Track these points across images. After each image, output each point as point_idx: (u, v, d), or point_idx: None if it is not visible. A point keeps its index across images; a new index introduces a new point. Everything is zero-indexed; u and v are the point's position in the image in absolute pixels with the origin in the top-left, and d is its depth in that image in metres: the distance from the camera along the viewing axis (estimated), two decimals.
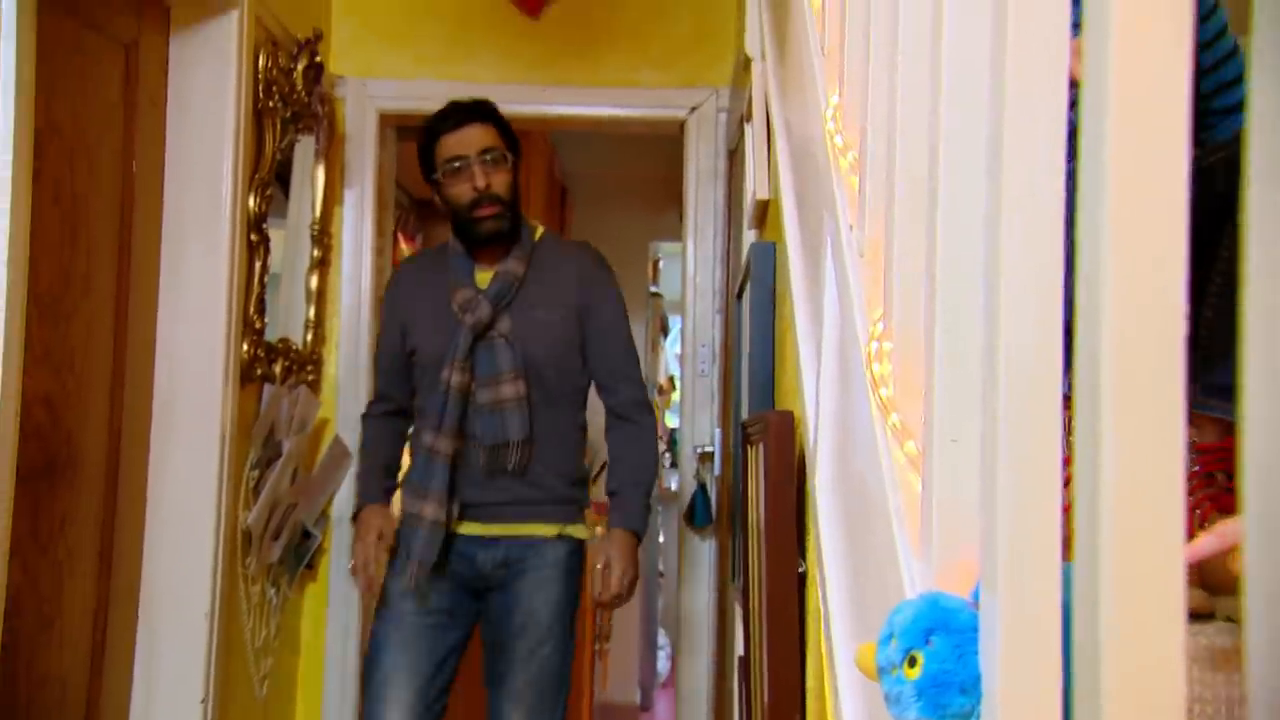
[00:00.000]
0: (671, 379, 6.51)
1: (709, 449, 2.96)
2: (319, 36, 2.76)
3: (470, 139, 2.22)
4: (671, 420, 6.20)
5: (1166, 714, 0.42)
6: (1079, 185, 0.46)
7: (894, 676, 0.59)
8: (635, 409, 2.33)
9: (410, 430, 2.41)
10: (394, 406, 2.42)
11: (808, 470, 1.14)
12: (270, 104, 2.48)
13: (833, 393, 1.02)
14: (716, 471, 2.89)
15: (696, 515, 2.91)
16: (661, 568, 5.88)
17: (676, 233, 3.43)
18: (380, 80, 3.07)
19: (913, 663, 0.58)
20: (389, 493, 2.37)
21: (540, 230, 2.37)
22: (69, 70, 1.97)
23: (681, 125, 3.17)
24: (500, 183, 2.23)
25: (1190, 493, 0.87)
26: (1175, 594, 0.42)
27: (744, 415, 1.90)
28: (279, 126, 2.52)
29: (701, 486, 2.95)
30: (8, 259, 1.61)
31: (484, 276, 2.26)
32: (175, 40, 2.32)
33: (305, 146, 2.83)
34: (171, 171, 2.30)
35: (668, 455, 6.05)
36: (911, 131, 0.82)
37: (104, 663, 2.11)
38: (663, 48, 3.14)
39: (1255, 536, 0.32)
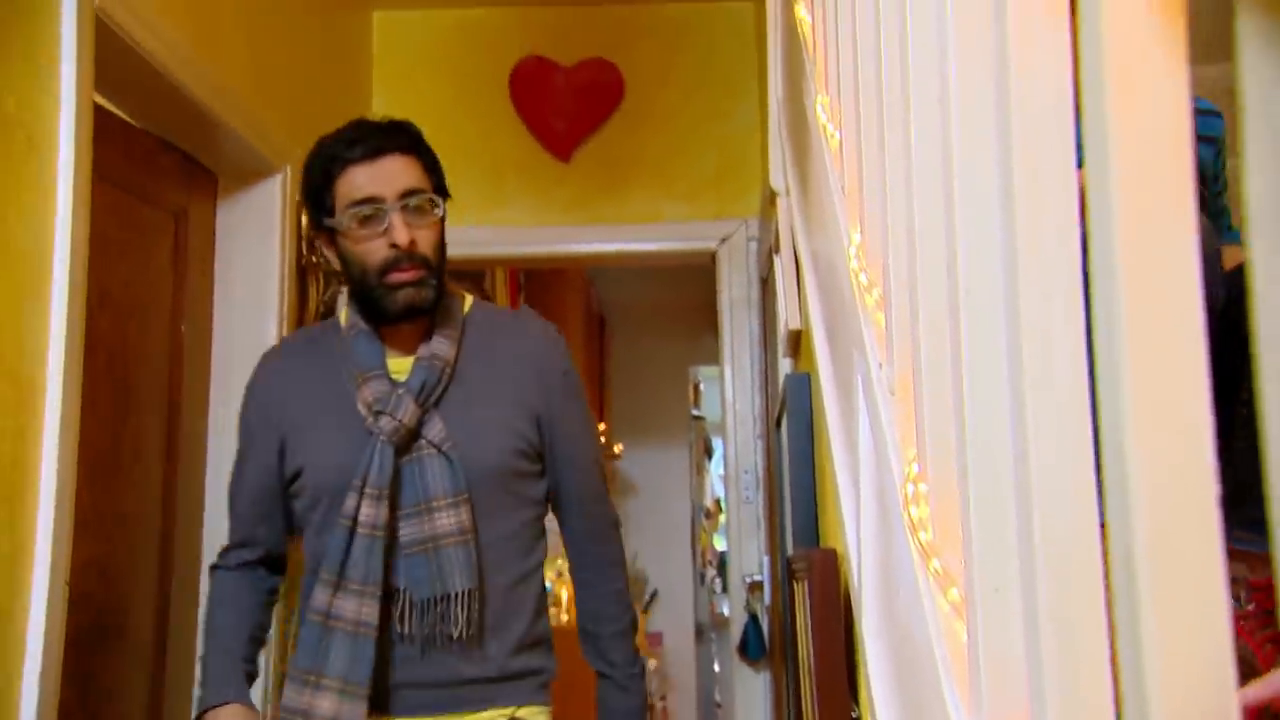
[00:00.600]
0: (718, 501, 6.44)
1: (758, 578, 2.91)
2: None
3: (389, 175, 1.51)
4: (720, 543, 6.12)
5: None
6: (1094, 326, 0.45)
7: None
8: (610, 532, 1.71)
9: (281, 589, 1.73)
10: (259, 554, 1.66)
11: (854, 610, 1.11)
12: (314, 259, 2.53)
13: (874, 532, 0.99)
14: (766, 601, 2.83)
15: (750, 648, 2.84)
16: (719, 697, 5.74)
17: (715, 356, 3.45)
18: None
19: None
20: (250, 680, 1.62)
21: (469, 301, 1.68)
22: (122, 241, 2.03)
23: (713, 256, 3.21)
24: (426, 240, 1.53)
25: (1250, 633, 0.83)
26: None
27: (789, 547, 1.86)
28: (322, 279, 2.57)
29: (753, 617, 2.89)
30: (60, 427, 1.63)
31: (400, 365, 1.57)
32: (222, 206, 2.39)
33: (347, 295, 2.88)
34: (219, 330, 2.34)
35: (718, 580, 5.95)
36: (932, 271, 0.81)
37: None
38: (689, 183, 3.19)
39: None
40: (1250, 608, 0.85)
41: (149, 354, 2.12)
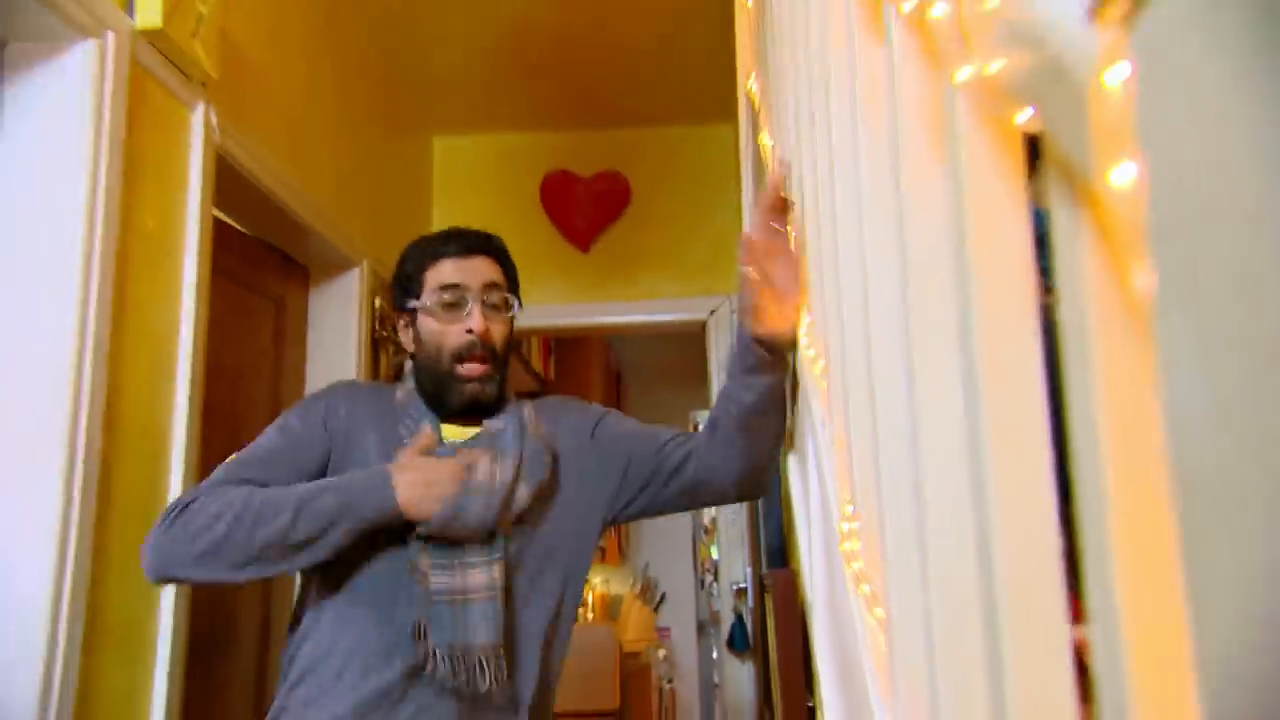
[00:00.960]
0: (714, 521, 6.41)
1: (743, 585, 2.89)
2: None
3: (475, 270, 1.35)
4: (716, 554, 6.08)
5: None
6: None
7: None
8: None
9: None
10: None
11: (808, 619, 1.11)
12: (384, 333, 2.56)
13: (821, 560, 1.00)
14: (750, 604, 2.82)
15: (736, 642, 2.82)
16: (718, 679, 5.67)
17: (708, 403, 3.45)
18: None
19: None
20: None
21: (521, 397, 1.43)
22: (233, 323, 2.06)
23: (704, 325, 3.23)
24: (499, 333, 1.34)
25: None
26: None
27: (764, 560, 1.86)
28: (391, 350, 2.60)
29: (739, 617, 2.87)
30: (184, 472, 1.65)
31: (456, 435, 1.32)
32: (313, 293, 2.43)
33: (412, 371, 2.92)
34: (310, 389, 2.37)
35: (714, 585, 5.90)
36: (853, 337, 0.83)
37: None
38: (684, 267, 3.23)
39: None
40: None
41: (255, 413, 2.14)
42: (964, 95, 0.44)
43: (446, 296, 1.32)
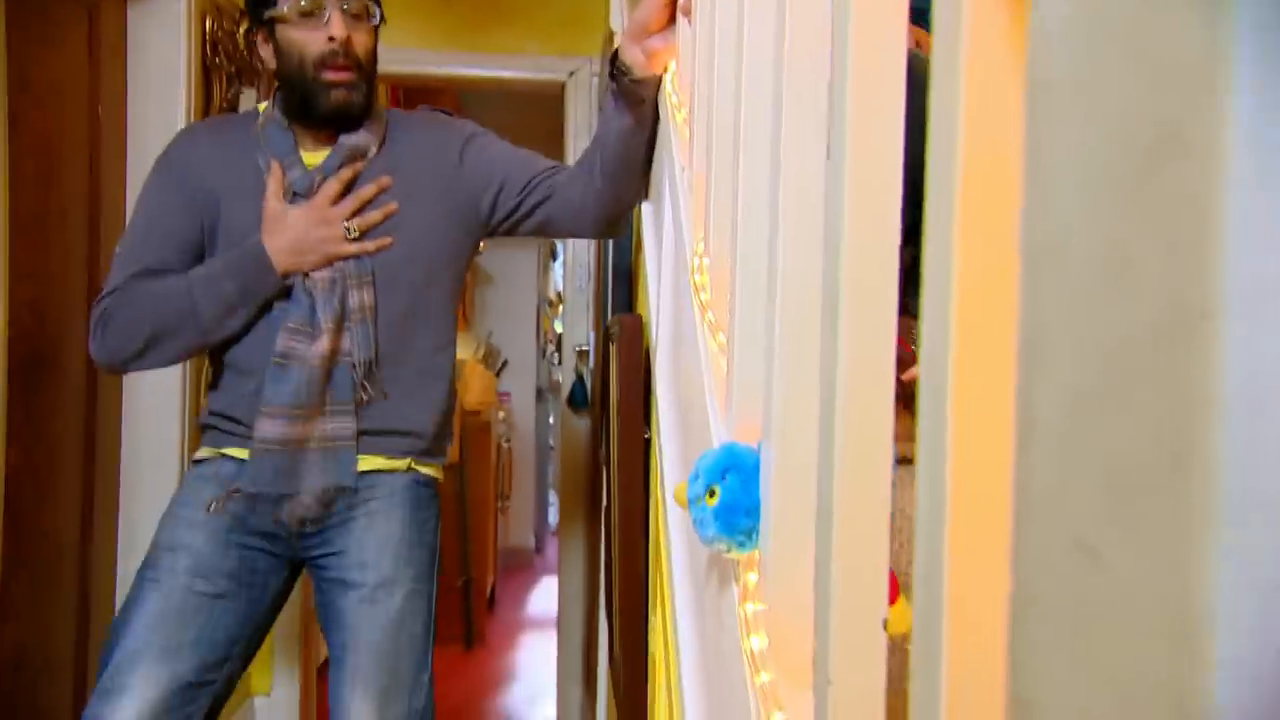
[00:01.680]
0: (559, 294, 6.49)
1: (585, 348, 2.99)
2: None
3: None
4: (559, 327, 6.20)
5: (870, 514, 0.47)
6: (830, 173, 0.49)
7: (699, 505, 0.63)
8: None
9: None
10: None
11: (651, 361, 1.18)
12: (217, 61, 2.35)
13: (669, 300, 1.05)
14: (591, 365, 2.93)
15: (576, 399, 2.95)
16: (552, 442, 5.95)
17: None
18: None
19: (712, 494, 0.62)
20: None
21: (396, 110, 1.50)
22: (38, 34, 1.84)
23: (562, 87, 3.13)
24: (361, 43, 1.31)
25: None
26: (883, 433, 0.47)
27: (608, 320, 1.92)
28: (225, 80, 2.40)
29: (579, 377, 2.98)
30: None
31: (314, 157, 1.35)
32: (132, 8, 2.18)
33: (248, 97, 2.70)
34: (133, 118, 2.17)
35: (555, 355, 6.07)
36: (724, 91, 0.84)
37: (92, 521, 2.05)
38: (546, 22, 3.07)
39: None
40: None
41: (70, 133, 1.96)
42: None
43: (304, 4, 1.29)
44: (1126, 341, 0.21)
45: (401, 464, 1.36)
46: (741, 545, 0.61)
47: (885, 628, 0.47)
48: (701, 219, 0.89)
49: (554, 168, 1.43)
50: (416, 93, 4.36)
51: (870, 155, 0.47)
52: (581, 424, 3.08)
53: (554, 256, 6.59)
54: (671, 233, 1.07)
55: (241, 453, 1.33)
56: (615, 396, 1.36)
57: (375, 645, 1.29)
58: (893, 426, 0.48)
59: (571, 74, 3.08)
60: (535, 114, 5.00)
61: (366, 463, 1.34)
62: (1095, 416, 0.22)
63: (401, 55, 2.99)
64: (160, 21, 2.18)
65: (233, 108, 2.44)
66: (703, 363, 0.81)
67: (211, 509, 1.29)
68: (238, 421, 1.34)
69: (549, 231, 1.43)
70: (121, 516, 2.16)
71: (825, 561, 0.47)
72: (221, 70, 2.38)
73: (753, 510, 0.60)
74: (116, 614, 1.33)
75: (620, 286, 1.76)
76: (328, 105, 1.31)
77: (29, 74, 1.78)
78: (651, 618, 1.14)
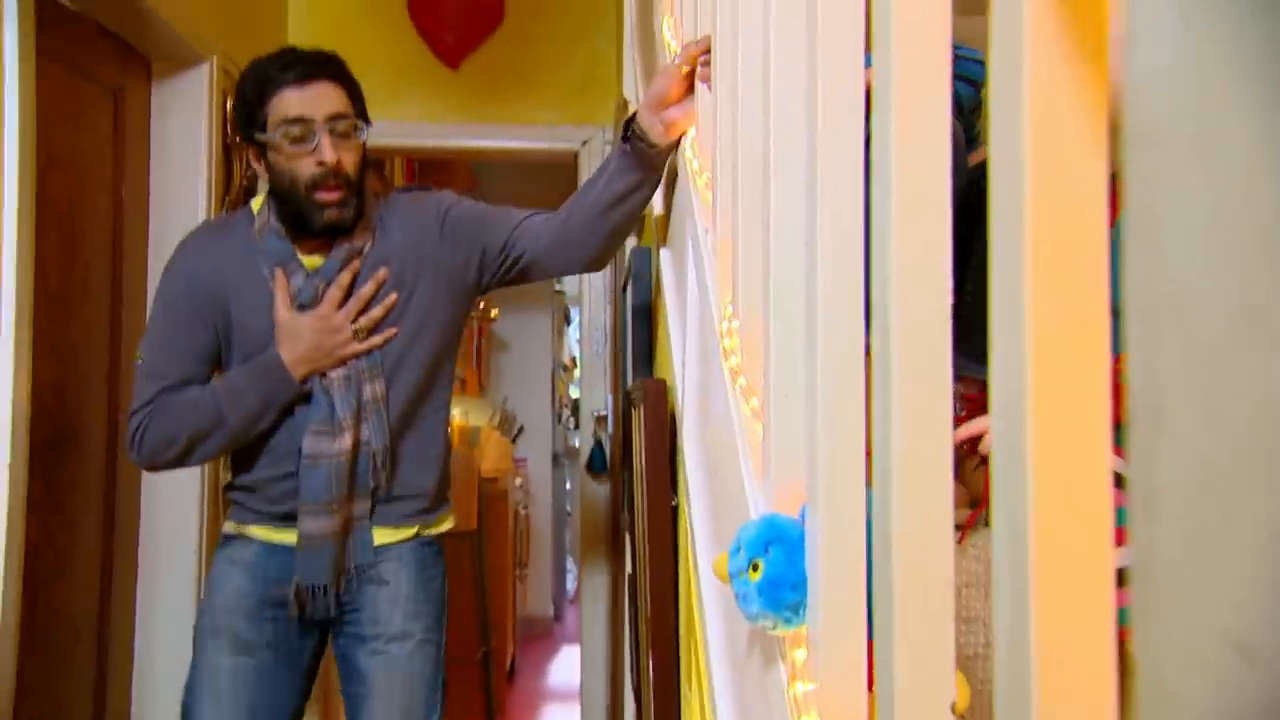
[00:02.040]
0: (574, 359, 6.50)
1: (603, 412, 2.97)
2: None
3: (319, 99, 1.35)
4: (575, 392, 6.20)
5: (935, 590, 0.44)
6: (872, 200, 0.48)
7: (742, 580, 0.60)
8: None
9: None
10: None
11: (678, 425, 1.16)
12: (237, 139, 2.39)
13: (695, 364, 1.03)
14: (610, 430, 2.90)
15: (594, 464, 2.92)
16: (569, 508, 5.89)
17: None
18: None
19: (755, 568, 0.59)
20: None
21: (385, 196, 1.52)
22: (66, 113, 1.87)
23: (575, 155, 3.16)
24: (350, 161, 1.37)
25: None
26: (943, 505, 0.44)
27: (629, 384, 1.91)
28: (245, 160, 2.43)
29: (598, 442, 2.96)
30: (17, 269, 1.53)
31: (312, 261, 1.41)
32: (156, 88, 2.22)
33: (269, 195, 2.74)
34: (155, 196, 2.20)
35: (572, 420, 6.05)
36: (749, 154, 0.83)
37: (110, 600, 2.02)
38: (559, 92, 3.12)
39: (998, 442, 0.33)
40: (963, 414, 0.92)
41: (94, 212, 1.98)
42: None
43: (293, 130, 1.34)
44: (1263, 404, 0.19)
45: (410, 532, 1.46)
46: (788, 621, 0.58)
47: (953, 710, 0.44)
48: (729, 282, 0.87)
49: (530, 216, 1.49)
50: (430, 165, 4.42)
51: (919, 205, 0.45)
52: (601, 490, 3.04)
53: (568, 321, 6.61)
54: (696, 296, 1.05)
55: (263, 532, 1.43)
56: (640, 462, 1.34)
57: (387, 691, 1.40)
58: (952, 492, 0.45)
59: (585, 143, 3.12)
60: (548, 182, 5.06)
61: (380, 536, 1.44)
62: (1234, 489, 0.20)
63: (413, 129, 3.04)
64: (183, 102, 2.22)
65: (251, 186, 2.48)
66: (735, 428, 0.79)
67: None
68: (261, 499, 1.43)
69: (535, 277, 1.50)
70: (140, 594, 2.12)
71: (887, 640, 0.44)
72: (242, 148, 2.41)
73: (799, 584, 0.58)
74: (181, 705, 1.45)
75: (639, 349, 1.75)
76: (322, 223, 1.37)
77: (56, 152, 1.81)
78: (686, 694, 1.10)
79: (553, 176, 4.17)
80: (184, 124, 2.21)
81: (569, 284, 6.19)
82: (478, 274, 1.48)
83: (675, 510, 1.25)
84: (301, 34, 2.98)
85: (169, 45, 2.14)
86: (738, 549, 0.61)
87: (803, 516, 0.61)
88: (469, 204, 1.52)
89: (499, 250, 1.47)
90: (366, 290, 1.40)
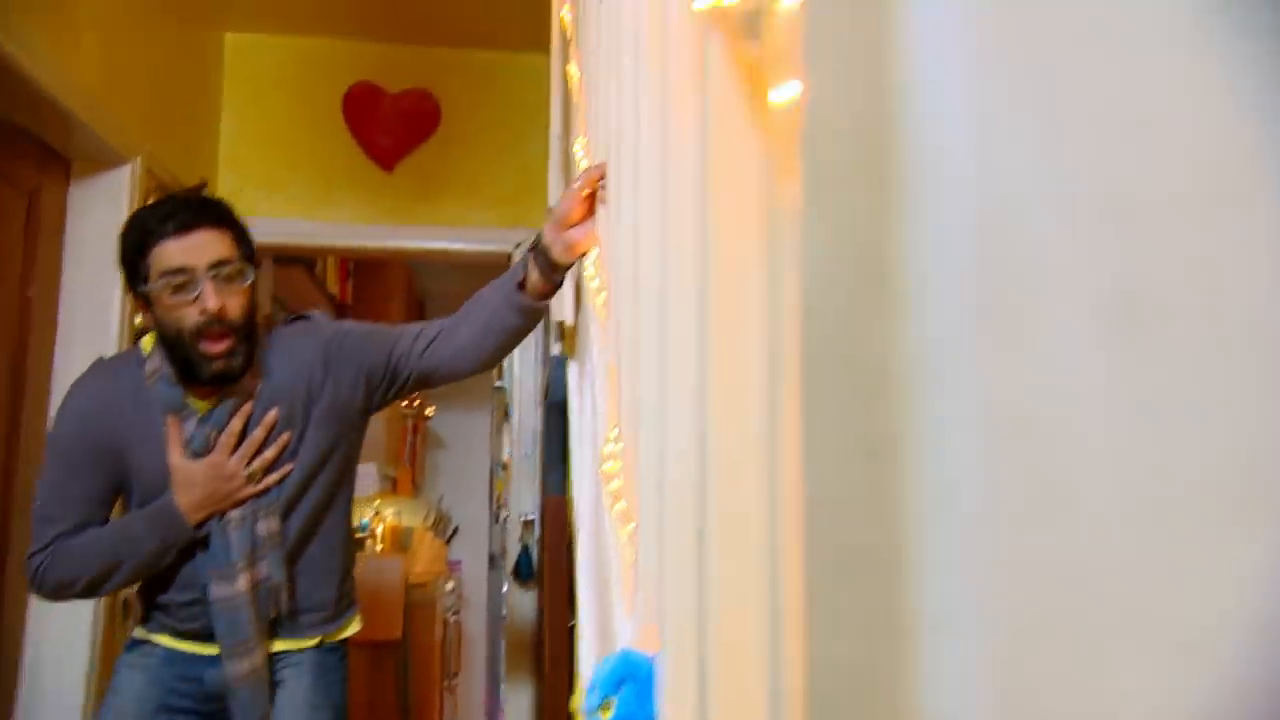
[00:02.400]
0: (511, 456, 6.43)
1: (531, 517, 2.94)
2: (204, 184, 2.67)
3: (200, 248, 1.33)
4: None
5: None
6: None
7: (594, 719, 0.60)
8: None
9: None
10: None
11: (573, 544, 1.15)
12: None
13: (590, 479, 1.04)
14: (536, 534, 2.87)
15: (521, 571, 2.88)
16: (505, 612, 5.75)
17: None
18: (258, 219, 2.98)
19: (607, 707, 0.59)
20: None
21: (269, 331, 1.51)
22: None
23: (509, 257, 3.20)
24: (236, 306, 1.35)
25: None
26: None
27: (548, 491, 1.90)
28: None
29: (525, 548, 2.92)
30: None
31: (203, 405, 1.42)
32: (75, 187, 2.22)
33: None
34: (66, 296, 2.18)
35: (507, 519, 5.95)
36: (635, 283, 0.85)
37: None
38: (492, 197, 3.18)
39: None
40: None
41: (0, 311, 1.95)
42: (708, 25, 0.46)
43: (175, 280, 1.33)
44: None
45: (312, 641, 1.50)
46: None
47: None
48: (615, 403, 0.89)
49: (417, 334, 1.51)
50: (365, 264, 4.44)
51: (730, 371, 0.47)
52: (527, 597, 2.99)
53: (507, 417, 6.58)
54: (590, 408, 1.06)
55: (169, 641, 1.46)
56: (546, 579, 1.32)
57: None
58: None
59: (517, 245, 3.17)
60: (484, 279, 5.13)
61: (281, 645, 1.48)
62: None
63: (347, 231, 3.07)
64: (101, 203, 2.22)
65: (141, 334, 2.45)
66: (612, 553, 0.79)
67: None
68: (170, 616, 1.45)
69: (431, 386, 1.54)
70: (21, 714, 2.01)
71: None
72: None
73: None
74: None
75: (553, 458, 1.75)
76: (209, 373, 1.36)
77: None
78: None
79: (489, 274, 4.23)
80: (101, 224, 2.20)
81: (509, 381, 6.18)
82: (365, 398, 1.51)
83: (573, 632, 1.23)
84: (234, 135, 3.01)
85: (90, 146, 2.15)
86: (593, 686, 0.61)
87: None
88: (349, 329, 1.54)
89: (382, 373, 1.50)
90: (258, 435, 1.42)
